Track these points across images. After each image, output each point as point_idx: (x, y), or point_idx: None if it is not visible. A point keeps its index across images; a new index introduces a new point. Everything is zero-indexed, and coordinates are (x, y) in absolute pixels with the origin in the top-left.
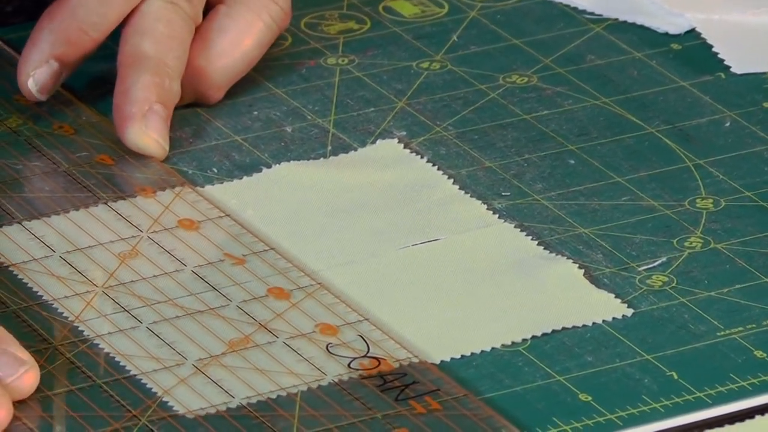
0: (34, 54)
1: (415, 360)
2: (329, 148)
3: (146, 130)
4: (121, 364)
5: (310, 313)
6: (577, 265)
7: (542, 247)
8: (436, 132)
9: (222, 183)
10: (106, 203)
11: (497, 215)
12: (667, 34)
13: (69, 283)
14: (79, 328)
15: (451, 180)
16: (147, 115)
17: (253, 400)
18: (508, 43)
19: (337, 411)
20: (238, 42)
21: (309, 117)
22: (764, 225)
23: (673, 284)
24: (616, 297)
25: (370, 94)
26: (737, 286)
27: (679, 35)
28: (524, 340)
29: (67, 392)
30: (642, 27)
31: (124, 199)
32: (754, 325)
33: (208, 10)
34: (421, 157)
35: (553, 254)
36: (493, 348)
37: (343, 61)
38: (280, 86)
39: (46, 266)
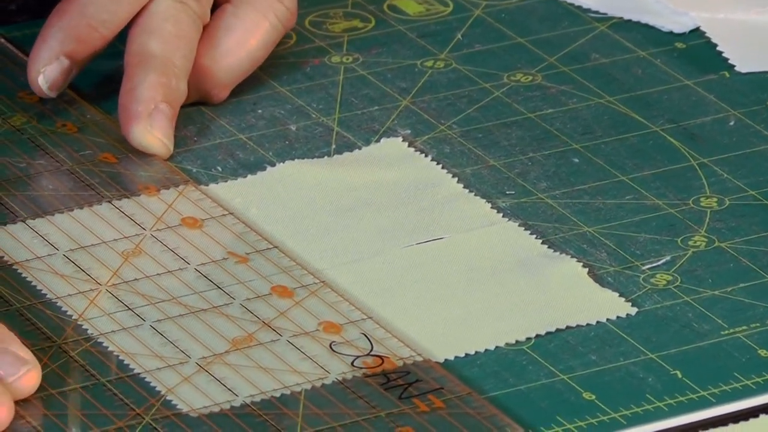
0: (44, 51)
1: (419, 358)
2: (333, 146)
3: (151, 130)
4: (125, 362)
5: (313, 312)
6: (582, 263)
7: (546, 246)
8: (440, 130)
9: (226, 181)
10: (109, 201)
11: (501, 214)
12: (671, 32)
13: (73, 281)
14: (83, 327)
15: (456, 178)
16: (152, 115)
17: (257, 399)
18: (513, 41)
19: (340, 409)
20: (244, 41)
21: (313, 115)
22: None
23: (677, 283)
24: (620, 296)
25: (375, 93)
26: (741, 285)
27: (683, 34)
28: (528, 338)
29: (71, 390)
30: (646, 26)
31: (128, 197)
32: (758, 324)
33: (214, 9)
34: (426, 156)
35: (558, 253)
36: (497, 347)
37: (347, 59)
38: (285, 84)
39: (49, 264)
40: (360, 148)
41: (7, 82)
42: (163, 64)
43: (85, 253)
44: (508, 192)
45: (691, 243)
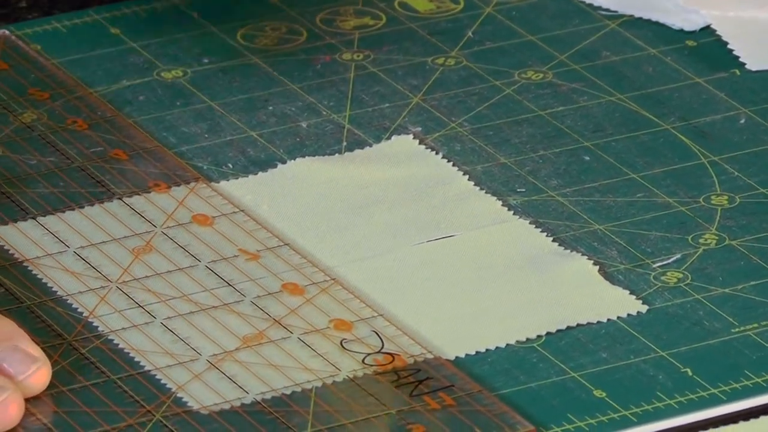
0: None
1: (430, 356)
2: (344, 143)
3: None
4: (135, 359)
5: (324, 309)
6: (592, 261)
7: (557, 244)
8: (451, 128)
9: (237, 178)
10: (120, 198)
11: (512, 211)
12: (682, 30)
13: (83, 278)
14: (93, 324)
15: (467, 176)
16: None
17: (268, 396)
18: (524, 39)
19: (351, 407)
20: None
21: (324, 112)
22: None
23: (688, 281)
24: (630, 293)
25: (386, 90)
26: (752, 283)
27: (694, 32)
28: (539, 336)
29: (81, 388)
30: (657, 23)
31: (139, 194)
32: None
33: None
34: (436, 153)
35: (568, 251)
36: (507, 344)
37: (358, 56)
38: (296, 82)
39: (60, 262)
40: (371, 146)
41: (17, 79)
42: None
43: (95, 250)
44: (518, 189)
45: (701, 241)
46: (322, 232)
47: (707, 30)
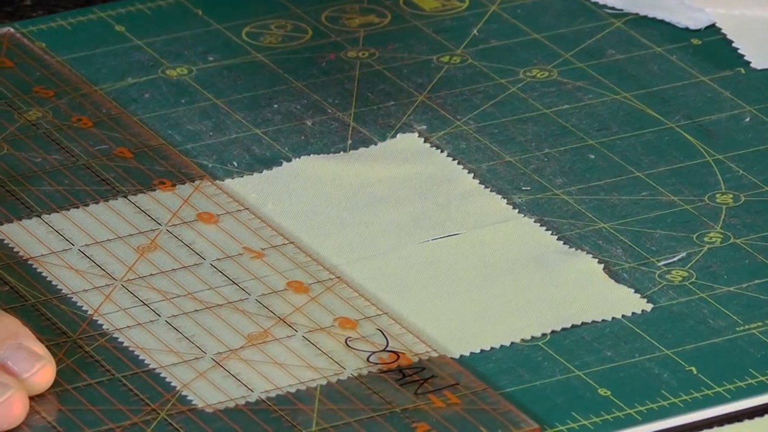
0: None
1: (435, 354)
2: (349, 141)
3: None
4: (140, 357)
5: (329, 307)
6: (597, 260)
7: (562, 242)
8: (456, 126)
9: (242, 176)
10: (125, 196)
11: (517, 210)
12: (687, 29)
13: (88, 276)
14: (98, 322)
15: (471, 174)
16: None
17: (272, 394)
18: (529, 37)
19: (356, 405)
20: None
21: (329, 110)
22: None
23: (693, 279)
24: (635, 292)
25: (391, 88)
26: (756, 282)
27: (699, 30)
28: (543, 334)
29: (86, 386)
30: (662, 22)
31: (144, 192)
32: None
33: None
34: (441, 151)
35: (573, 249)
36: (512, 343)
37: (363, 54)
38: (301, 79)
39: (65, 259)
40: (376, 144)
41: (22, 77)
42: None
43: (100, 248)
44: (523, 188)
45: (706, 239)
46: (326, 230)
47: (712, 28)
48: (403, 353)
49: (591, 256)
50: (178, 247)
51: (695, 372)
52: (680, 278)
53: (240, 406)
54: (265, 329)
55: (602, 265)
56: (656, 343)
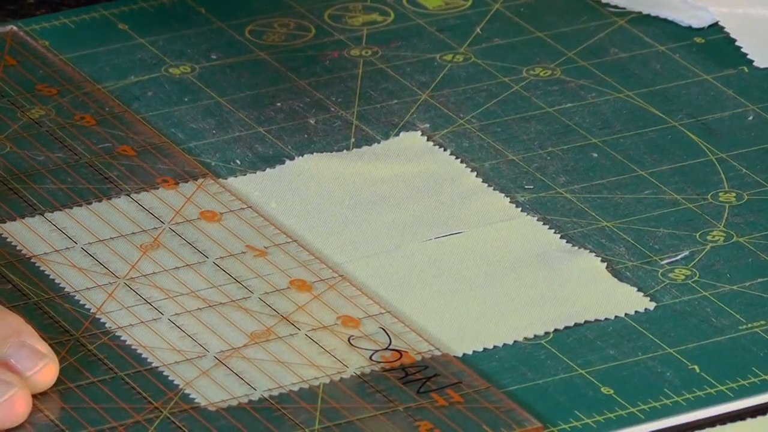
0: None
1: (437, 353)
2: (352, 140)
3: None
4: (142, 356)
5: (332, 306)
6: (600, 258)
7: (565, 241)
8: (459, 125)
9: (245, 175)
10: (128, 195)
11: (520, 208)
12: (690, 27)
13: (91, 274)
14: (101, 320)
15: (474, 173)
16: None
17: (275, 393)
18: (532, 35)
19: (359, 403)
20: None
21: (332, 109)
22: None
23: (696, 278)
24: (638, 290)
25: (394, 86)
26: (759, 280)
27: (702, 29)
28: (546, 333)
29: (89, 384)
30: (665, 20)
31: (146, 190)
32: None
33: None
34: (445, 150)
35: (576, 247)
36: (515, 341)
37: (366, 52)
38: (304, 78)
39: (67, 258)
40: (379, 142)
41: (25, 75)
42: None
43: (103, 246)
44: (526, 186)
45: (709, 238)
46: (329, 229)
47: (715, 27)
48: (405, 352)
49: (594, 254)
50: (181, 245)
51: (698, 370)
52: (683, 277)
53: (243, 404)
54: (268, 327)
55: (605, 263)
56: (659, 342)
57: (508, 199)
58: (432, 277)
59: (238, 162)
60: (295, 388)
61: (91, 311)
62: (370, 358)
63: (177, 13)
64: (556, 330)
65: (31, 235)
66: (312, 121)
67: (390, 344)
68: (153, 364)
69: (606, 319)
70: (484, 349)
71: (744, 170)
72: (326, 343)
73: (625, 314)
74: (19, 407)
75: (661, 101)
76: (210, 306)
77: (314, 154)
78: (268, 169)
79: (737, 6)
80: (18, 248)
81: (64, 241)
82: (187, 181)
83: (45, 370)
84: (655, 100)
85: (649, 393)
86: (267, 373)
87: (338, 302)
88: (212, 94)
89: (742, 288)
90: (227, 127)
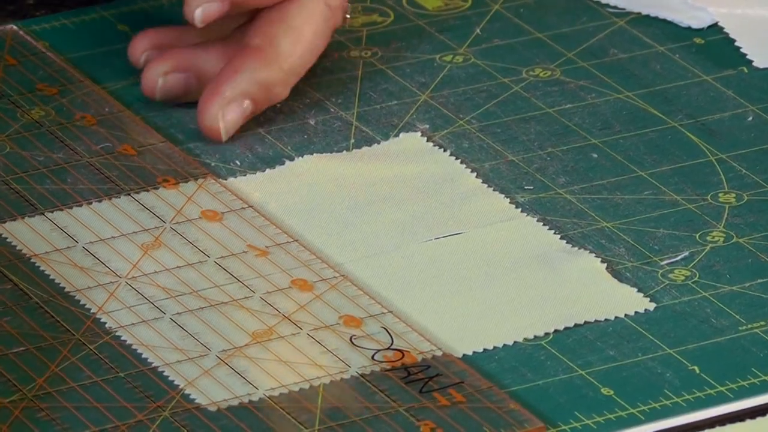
0: None
1: (439, 353)
2: (352, 140)
3: (222, 118)
4: (143, 355)
5: (333, 305)
6: (600, 259)
7: (565, 241)
8: (459, 125)
9: (245, 175)
10: (128, 194)
11: (520, 209)
12: (689, 28)
13: (92, 273)
14: (102, 320)
15: (474, 173)
16: (232, 105)
17: (277, 392)
18: (532, 36)
19: (361, 403)
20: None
21: (332, 109)
22: None
23: (696, 278)
24: (638, 291)
25: (393, 87)
26: (759, 281)
27: (701, 29)
28: (546, 333)
29: (91, 383)
30: (665, 21)
31: (147, 190)
32: None
33: None
34: (444, 151)
35: (576, 248)
36: (515, 342)
37: (366, 53)
38: (304, 78)
39: (68, 257)
40: (379, 143)
41: (26, 74)
42: (281, 67)
43: (104, 245)
44: (526, 187)
45: (709, 238)
46: (330, 229)
47: (715, 27)
48: (408, 351)
49: (594, 255)
50: (183, 244)
51: (698, 371)
52: (683, 277)
53: (244, 403)
54: (270, 327)
55: (605, 264)
56: (659, 343)
57: (508, 199)
58: (431, 277)
59: (237, 163)
60: (297, 388)
61: (93, 311)
62: (372, 357)
63: (176, 13)
64: (556, 331)
65: (31, 234)
66: (312, 122)
67: (392, 344)
68: (154, 364)
69: (606, 319)
70: (484, 349)
71: (744, 171)
72: (328, 343)
73: (625, 315)
74: None
75: (661, 102)
76: (212, 305)
77: (314, 155)
78: (268, 170)
79: (736, 6)
80: (18, 248)
81: (65, 241)
82: (188, 181)
83: None
84: (655, 101)
85: (649, 394)
86: (269, 372)
87: (340, 302)
88: None
89: (742, 289)
90: None
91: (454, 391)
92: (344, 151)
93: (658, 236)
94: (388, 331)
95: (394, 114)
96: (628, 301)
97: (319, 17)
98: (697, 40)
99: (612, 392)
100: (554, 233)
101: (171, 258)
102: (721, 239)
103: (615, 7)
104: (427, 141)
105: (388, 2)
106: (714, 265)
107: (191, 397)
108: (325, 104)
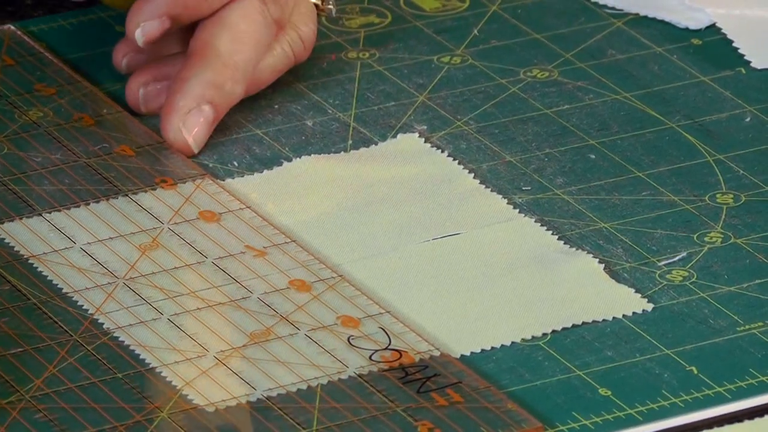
0: (148, 7)
1: (437, 353)
2: (350, 142)
3: (182, 127)
4: (141, 356)
5: (331, 306)
6: (597, 259)
7: (562, 242)
8: (456, 126)
9: (243, 176)
10: (126, 195)
11: (518, 210)
12: (687, 29)
13: (90, 274)
14: (100, 321)
15: (472, 174)
16: (191, 114)
17: (275, 393)
18: (529, 37)
19: (358, 403)
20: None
21: (330, 111)
22: None
23: (693, 279)
24: (636, 292)
25: (391, 88)
26: (757, 281)
27: (699, 30)
28: (544, 334)
29: (89, 384)
30: (663, 22)
31: (145, 190)
32: None
33: None
34: (442, 152)
35: (574, 249)
36: (513, 342)
37: (364, 55)
38: (301, 80)
39: (66, 258)
40: (376, 144)
41: (24, 75)
42: (224, 64)
43: (102, 246)
44: (524, 188)
45: (707, 239)
46: (328, 230)
47: (712, 28)
48: (405, 352)
49: (591, 255)
50: (180, 245)
51: (696, 372)
52: (681, 278)
53: (242, 404)
54: (268, 327)
55: (603, 264)
56: (657, 343)
57: (506, 200)
58: (429, 278)
59: (235, 164)
60: (295, 388)
61: (90, 312)
62: (370, 358)
63: None
64: (553, 331)
65: (29, 235)
66: (309, 123)
67: (390, 344)
68: (152, 365)
69: (603, 320)
70: (482, 350)
71: (741, 171)
72: (326, 343)
73: (623, 315)
74: None
75: (659, 102)
76: (209, 306)
77: (312, 156)
78: (265, 171)
79: (734, 7)
80: (16, 249)
81: (63, 242)
82: (185, 182)
83: None
84: (653, 102)
85: (647, 394)
86: (266, 373)
87: (338, 302)
88: None
89: (740, 289)
90: (225, 129)
91: (452, 391)
92: (342, 152)
93: (656, 237)
94: (385, 332)
95: (391, 115)
96: (625, 302)
97: (254, 11)
98: (695, 41)
99: (610, 393)
100: (552, 234)
101: (169, 259)
102: (719, 240)
103: (613, 8)
104: (425, 142)
105: (386, 3)
106: (712, 265)
107: (189, 397)
108: (323, 105)
